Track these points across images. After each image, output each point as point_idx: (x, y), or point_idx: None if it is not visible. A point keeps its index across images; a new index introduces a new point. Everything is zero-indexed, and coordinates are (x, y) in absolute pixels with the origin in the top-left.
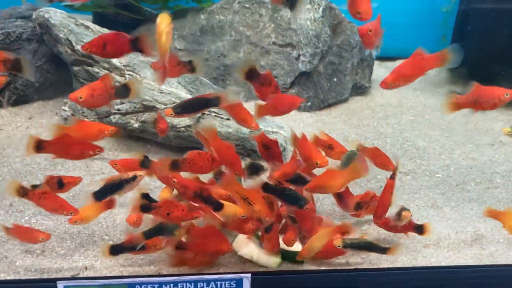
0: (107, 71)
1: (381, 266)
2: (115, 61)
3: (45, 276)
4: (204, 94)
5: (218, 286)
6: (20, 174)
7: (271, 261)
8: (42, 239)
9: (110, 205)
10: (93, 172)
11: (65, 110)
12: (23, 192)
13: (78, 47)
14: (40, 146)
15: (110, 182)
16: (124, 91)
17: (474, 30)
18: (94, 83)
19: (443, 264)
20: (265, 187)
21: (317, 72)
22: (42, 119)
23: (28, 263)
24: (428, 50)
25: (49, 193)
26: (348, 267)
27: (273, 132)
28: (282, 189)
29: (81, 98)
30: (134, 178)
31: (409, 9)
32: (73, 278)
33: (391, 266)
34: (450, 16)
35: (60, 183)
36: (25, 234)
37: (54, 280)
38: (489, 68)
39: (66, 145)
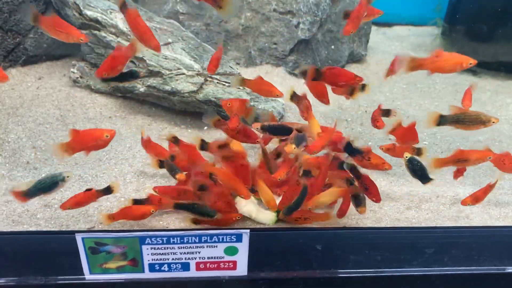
0: (114, 36)
1: (367, 226)
2: (121, 26)
3: (63, 228)
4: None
5: (220, 239)
6: (34, 134)
7: (268, 219)
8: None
9: None
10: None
11: (74, 72)
12: None
13: (86, 11)
14: None
15: None
16: None
17: None
18: None
19: (423, 225)
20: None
21: (316, 39)
22: (51, 79)
23: (48, 215)
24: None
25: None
26: (337, 226)
27: (272, 100)
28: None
29: None
30: None
31: None
32: (89, 230)
33: (376, 225)
34: None
35: None
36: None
37: (73, 232)
38: (485, 28)
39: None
